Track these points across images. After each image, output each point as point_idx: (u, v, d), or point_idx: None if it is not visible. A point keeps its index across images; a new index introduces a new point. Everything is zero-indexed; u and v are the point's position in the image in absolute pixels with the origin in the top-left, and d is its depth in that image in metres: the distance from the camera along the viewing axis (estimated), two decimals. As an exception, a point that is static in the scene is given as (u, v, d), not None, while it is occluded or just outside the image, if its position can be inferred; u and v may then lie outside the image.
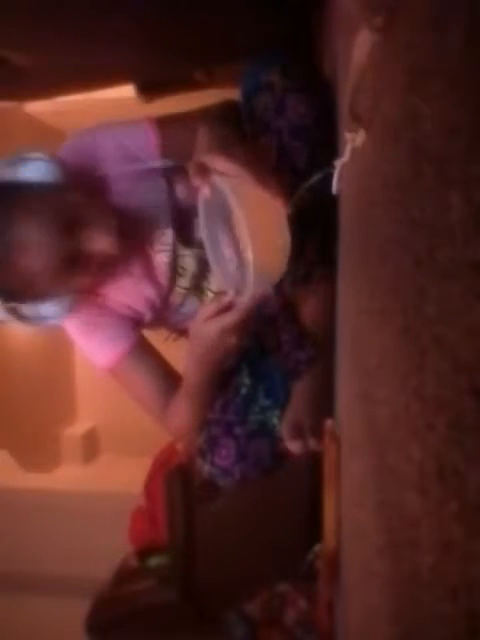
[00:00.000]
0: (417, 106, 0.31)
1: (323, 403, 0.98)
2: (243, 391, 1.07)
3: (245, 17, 1.35)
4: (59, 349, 3.62)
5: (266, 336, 1.08)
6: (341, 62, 0.84)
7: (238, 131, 0.92)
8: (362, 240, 0.56)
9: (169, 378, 1.09)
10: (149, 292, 1.05)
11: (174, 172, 1.01)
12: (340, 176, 0.70)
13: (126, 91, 2.20)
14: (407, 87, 0.34)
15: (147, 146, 1.00)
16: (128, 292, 1.04)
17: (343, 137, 0.64)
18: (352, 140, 0.55)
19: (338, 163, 0.68)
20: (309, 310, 1.07)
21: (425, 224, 0.29)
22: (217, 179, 0.74)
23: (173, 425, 1.10)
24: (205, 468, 1.08)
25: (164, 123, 1.01)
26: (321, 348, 1.04)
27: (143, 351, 1.07)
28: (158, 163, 1.01)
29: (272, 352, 1.08)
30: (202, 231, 0.82)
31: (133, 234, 0.99)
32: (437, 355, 0.27)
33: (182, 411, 1.06)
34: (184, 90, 2.16)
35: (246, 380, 1.08)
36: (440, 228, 0.27)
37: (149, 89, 2.18)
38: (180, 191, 1.03)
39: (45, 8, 1.12)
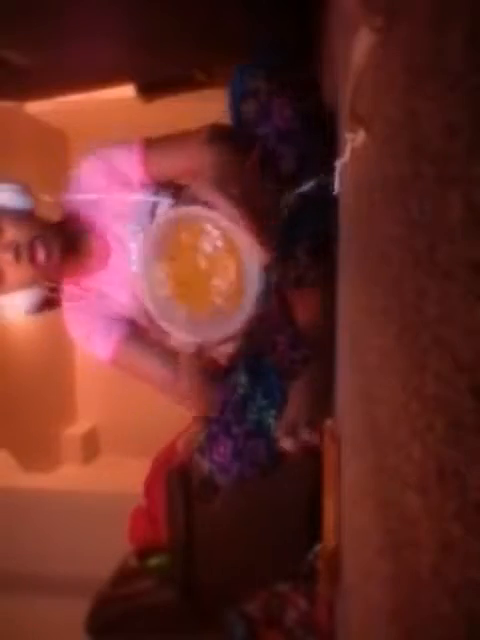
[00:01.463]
0: (417, 106, 0.31)
1: (318, 402, 1.00)
2: (240, 391, 1.10)
3: (245, 17, 1.35)
4: (59, 349, 3.63)
5: (263, 337, 1.11)
6: (341, 62, 0.84)
7: (237, 157, 0.93)
8: (362, 240, 0.56)
9: (173, 356, 1.12)
10: (131, 301, 1.11)
11: (158, 192, 1.07)
12: (340, 176, 0.70)
13: (126, 91, 2.20)
14: (407, 87, 0.34)
15: (133, 167, 1.06)
16: (115, 299, 1.13)
17: (343, 137, 0.64)
18: (352, 140, 0.55)
19: (338, 163, 0.68)
20: (303, 312, 1.10)
21: (425, 224, 0.29)
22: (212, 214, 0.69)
23: (184, 396, 1.13)
24: (204, 465, 1.11)
25: (151, 145, 1.06)
26: (315, 349, 1.06)
27: (140, 336, 1.12)
28: (144, 185, 1.07)
29: (268, 353, 1.11)
30: (142, 246, 0.77)
31: (106, 248, 1.11)
32: (437, 355, 0.27)
33: (187, 386, 1.09)
34: (184, 90, 2.16)
35: (243, 380, 1.11)
36: (440, 228, 0.27)
37: (149, 89, 2.18)
38: (161, 210, 1.08)
39: (45, 8, 1.12)
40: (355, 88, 0.52)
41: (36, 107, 3.03)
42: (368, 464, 0.49)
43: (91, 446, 3.80)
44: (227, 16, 1.33)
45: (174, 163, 1.03)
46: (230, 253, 0.70)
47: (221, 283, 0.72)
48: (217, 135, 0.96)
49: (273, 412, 1.07)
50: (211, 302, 0.73)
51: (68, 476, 3.41)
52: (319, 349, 1.03)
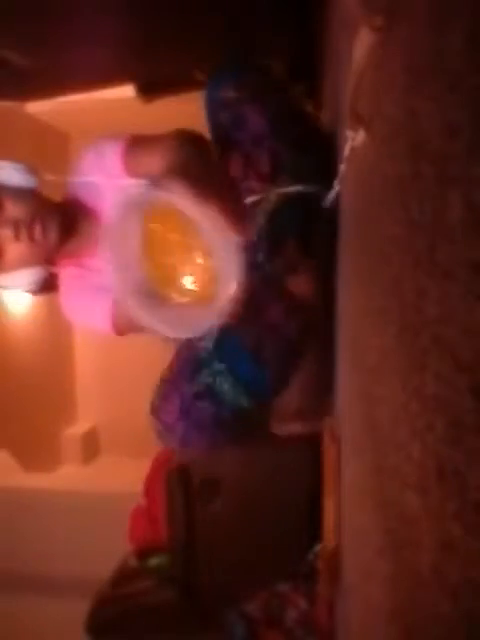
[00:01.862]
0: (417, 106, 0.31)
1: (316, 393, 1.01)
2: (201, 354, 1.10)
3: (245, 17, 1.35)
4: (59, 349, 3.63)
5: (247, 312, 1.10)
6: (341, 62, 0.84)
7: (205, 156, 0.96)
8: (362, 240, 0.56)
9: None
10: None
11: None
12: (340, 176, 0.70)
13: (126, 91, 2.20)
14: (407, 87, 0.34)
15: (116, 162, 1.09)
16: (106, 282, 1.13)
17: (343, 135, 0.64)
18: (352, 139, 0.55)
19: (340, 163, 0.68)
20: (298, 288, 1.10)
21: (425, 224, 0.29)
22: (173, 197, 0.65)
23: None
24: (154, 424, 1.12)
25: (133, 143, 1.08)
26: (312, 321, 1.06)
27: None
28: (123, 179, 1.09)
29: (256, 327, 1.09)
30: (111, 229, 0.73)
31: (92, 234, 1.12)
32: (437, 355, 0.27)
33: None
34: (184, 90, 2.16)
35: (208, 345, 1.10)
36: (440, 228, 0.27)
37: (149, 89, 2.18)
38: None
39: (45, 9, 1.12)
40: (355, 88, 0.52)
41: (36, 107, 3.03)
42: (368, 464, 0.49)
43: (91, 446, 3.80)
44: (227, 16, 1.33)
45: (147, 162, 1.06)
46: (197, 239, 0.68)
47: (194, 271, 0.71)
48: (185, 137, 0.99)
49: (231, 379, 1.06)
50: (188, 292, 0.71)
51: (68, 476, 3.41)
52: (316, 323, 1.04)
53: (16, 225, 1.00)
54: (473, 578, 0.22)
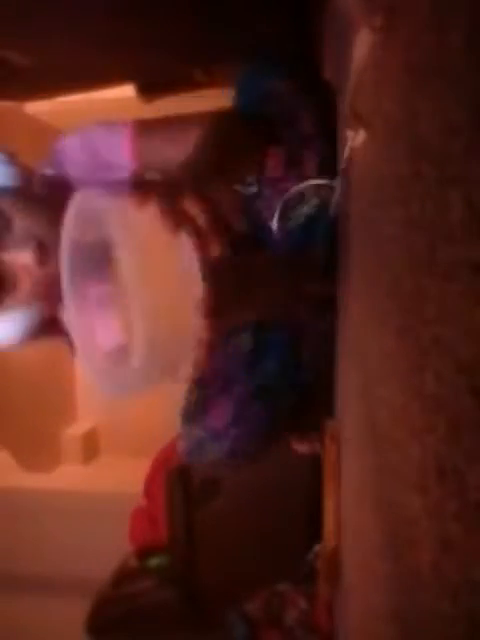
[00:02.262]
0: (417, 106, 0.31)
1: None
2: (246, 349, 0.95)
3: (245, 16, 1.35)
4: (60, 349, 3.62)
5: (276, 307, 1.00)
6: (341, 62, 0.84)
7: (233, 142, 0.86)
8: (362, 240, 0.56)
9: None
10: None
11: (142, 183, 0.92)
12: (341, 177, 0.70)
13: (126, 91, 2.20)
14: (407, 87, 0.34)
15: (120, 153, 0.93)
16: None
17: (343, 135, 0.64)
18: (352, 139, 0.55)
19: (340, 164, 0.68)
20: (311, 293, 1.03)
21: (425, 224, 0.29)
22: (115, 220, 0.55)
23: None
24: (194, 433, 0.96)
25: (144, 129, 0.95)
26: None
27: None
28: (125, 173, 0.93)
29: (286, 327, 0.98)
30: (64, 242, 0.60)
31: None
32: (437, 355, 0.27)
33: None
34: (184, 90, 2.16)
35: (246, 340, 0.96)
36: (440, 228, 0.27)
37: (149, 89, 2.18)
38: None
39: (45, 8, 1.12)
40: (355, 87, 0.52)
41: (36, 107, 3.03)
42: (368, 464, 0.49)
43: (91, 446, 3.80)
44: (227, 16, 1.33)
45: (169, 151, 0.90)
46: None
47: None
48: (221, 124, 0.86)
49: (283, 382, 0.94)
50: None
51: (68, 476, 3.41)
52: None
53: (40, 246, 0.74)
54: (473, 578, 0.22)
